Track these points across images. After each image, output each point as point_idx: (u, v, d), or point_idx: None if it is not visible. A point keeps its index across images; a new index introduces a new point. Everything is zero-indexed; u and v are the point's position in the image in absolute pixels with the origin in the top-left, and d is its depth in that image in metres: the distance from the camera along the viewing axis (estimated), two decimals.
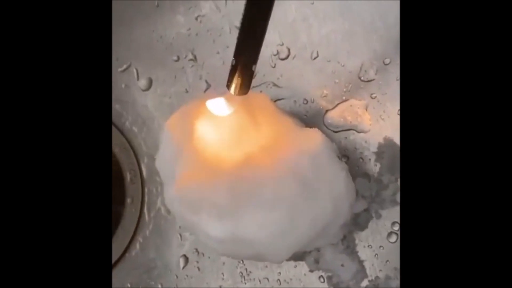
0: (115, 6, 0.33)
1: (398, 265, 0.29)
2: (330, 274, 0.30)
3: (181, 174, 0.26)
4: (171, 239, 0.35)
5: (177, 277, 0.34)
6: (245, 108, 0.27)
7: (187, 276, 0.34)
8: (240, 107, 0.27)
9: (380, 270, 0.30)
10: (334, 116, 0.32)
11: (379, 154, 0.30)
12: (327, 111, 0.32)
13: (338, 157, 0.27)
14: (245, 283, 0.33)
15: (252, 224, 0.24)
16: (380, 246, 0.30)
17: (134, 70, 0.36)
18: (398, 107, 0.30)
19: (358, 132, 0.31)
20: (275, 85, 0.33)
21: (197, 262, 0.34)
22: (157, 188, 0.35)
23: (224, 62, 0.34)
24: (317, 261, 0.30)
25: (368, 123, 0.31)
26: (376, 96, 0.31)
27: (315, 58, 0.33)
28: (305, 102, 0.33)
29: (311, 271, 0.31)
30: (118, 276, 0.35)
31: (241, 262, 0.33)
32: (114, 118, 0.36)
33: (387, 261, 0.30)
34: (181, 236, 0.34)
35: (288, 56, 0.33)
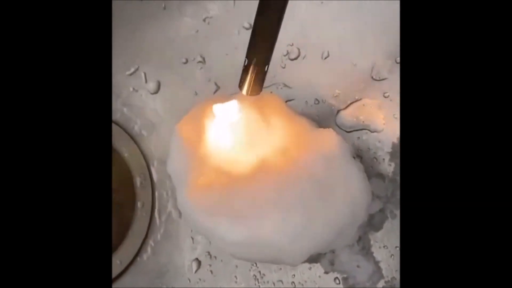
0: (121, 8, 0.33)
1: None
2: (345, 275, 0.30)
3: (194, 178, 0.26)
4: (183, 243, 0.34)
5: (189, 281, 0.34)
6: (257, 109, 0.27)
7: (200, 279, 0.34)
8: (252, 108, 0.26)
9: (396, 271, 0.29)
10: (346, 116, 0.32)
11: (393, 154, 0.30)
12: (339, 111, 0.32)
13: (354, 157, 0.26)
14: (259, 286, 0.33)
15: (269, 227, 0.24)
16: (396, 247, 0.30)
17: (142, 74, 0.35)
18: None
19: (372, 132, 0.31)
20: (285, 85, 0.33)
21: (210, 265, 0.34)
22: (167, 192, 0.35)
23: (233, 64, 0.34)
24: (332, 263, 0.30)
25: (381, 123, 0.31)
26: (389, 95, 0.31)
27: (326, 58, 0.32)
28: (317, 102, 0.32)
29: (326, 272, 0.31)
30: (130, 281, 0.35)
31: (255, 264, 0.33)
32: (123, 122, 0.35)
33: None
34: (193, 239, 0.34)
35: (298, 56, 0.33)
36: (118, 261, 0.34)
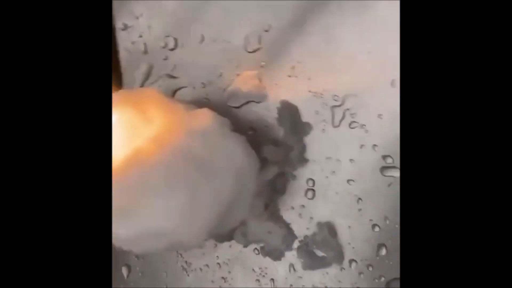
0: None
1: (320, 219, 0.30)
2: (262, 244, 0.31)
3: None
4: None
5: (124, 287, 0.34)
6: (132, 106, 0.27)
7: (133, 283, 0.34)
8: (127, 106, 0.27)
9: (308, 228, 0.30)
10: (232, 92, 0.32)
11: (280, 118, 0.31)
12: (225, 89, 0.32)
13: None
14: (188, 275, 0.33)
15: (155, 216, 0.24)
16: (302, 205, 0.31)
17: None
18: (286, 70, 0.31)
19: (258, 102, 0.32)
20: (171, 76, 0.34)
21: (139, 267, 0.34)
22: None
23: None
24: (244, 235, 0.30)
25: (263, 92, 0.31)
26: (265, 64, 0.31)
27: (202, 42, 0.33)
28: (203, 85, 0.33)
29: (245, 246, 0.31)
30: None
31: (180, 255, 0.33)
32: None
33: (311, 217, 0.30)
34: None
35: (176, 45, 0.33)
36: None
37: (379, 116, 0.28)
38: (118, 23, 0.34)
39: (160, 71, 0.34)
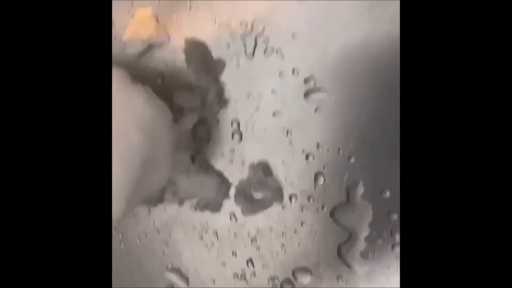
0: None
1: (253, 160, 0.28)
2: (196, 199, 0.29)
3: None
4: None
5: None
6: None
7: None
8: None
9: (241, 173, 0.28)
10: (127, 39, 0.28)
11: (189, 60, 0.27)
12: (118, 37, 0.28)
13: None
14: (128, 249, 0.31)
15: None
16: (231, 150, 0.28)
17: None
18: (185, 2, 0.27)
19: (160, 46, 0.28)
20: None
21: None
22: None
23: None
24: (176, 194, 0.28)
25: (164, 32, 0.28)
26: None
27: None
28: None
29: (179, 205, 0.29)
30: None
31: (114, 229, 0.31)
32: None
33: (243, 160, 0.28)
34: None
35: None
36: None
37: (293, 36, 0.26)
38: None
39: None
